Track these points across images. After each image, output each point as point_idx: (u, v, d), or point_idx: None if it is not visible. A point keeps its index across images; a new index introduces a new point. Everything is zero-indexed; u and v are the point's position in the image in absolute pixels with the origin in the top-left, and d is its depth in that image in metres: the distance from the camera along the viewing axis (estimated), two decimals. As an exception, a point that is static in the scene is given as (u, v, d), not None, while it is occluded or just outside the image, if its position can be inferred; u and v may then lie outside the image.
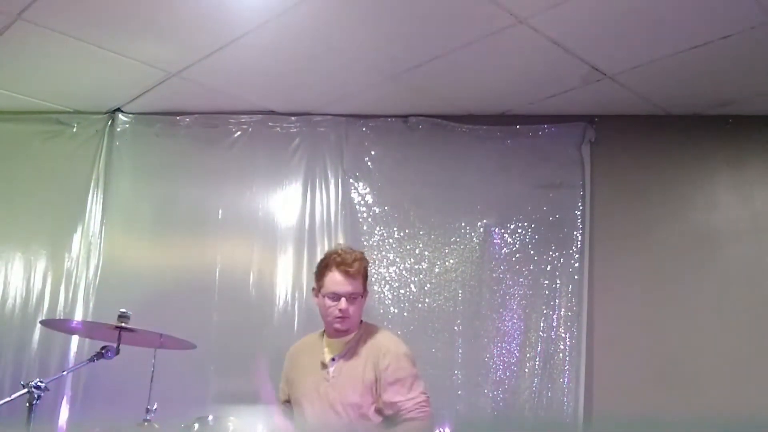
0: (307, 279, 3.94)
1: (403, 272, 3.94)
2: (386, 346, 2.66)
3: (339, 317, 2.64)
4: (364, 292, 2.71)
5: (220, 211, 4.09)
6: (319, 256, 3.88)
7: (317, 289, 2.72)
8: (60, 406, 3.79)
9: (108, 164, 4.19)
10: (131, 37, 3.42)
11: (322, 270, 2.71)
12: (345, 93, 3.93)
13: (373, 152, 4.12)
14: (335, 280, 2.64)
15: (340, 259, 2.66)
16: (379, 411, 2.59)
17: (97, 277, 4.01)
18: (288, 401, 2.80)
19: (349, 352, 2.67)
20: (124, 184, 4.18)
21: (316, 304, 2.76)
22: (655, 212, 3.88)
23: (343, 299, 2.62)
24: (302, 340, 2.94)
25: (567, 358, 3.73)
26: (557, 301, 3.82)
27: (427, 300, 3.89)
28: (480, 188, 4.01)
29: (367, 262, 2.76)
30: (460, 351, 3.79)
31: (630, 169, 3.95)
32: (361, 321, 2.77)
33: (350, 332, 2.70)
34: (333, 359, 2.67)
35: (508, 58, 3.48)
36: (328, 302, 2.65)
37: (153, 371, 2.98)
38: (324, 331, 2.79)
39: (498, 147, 4.06)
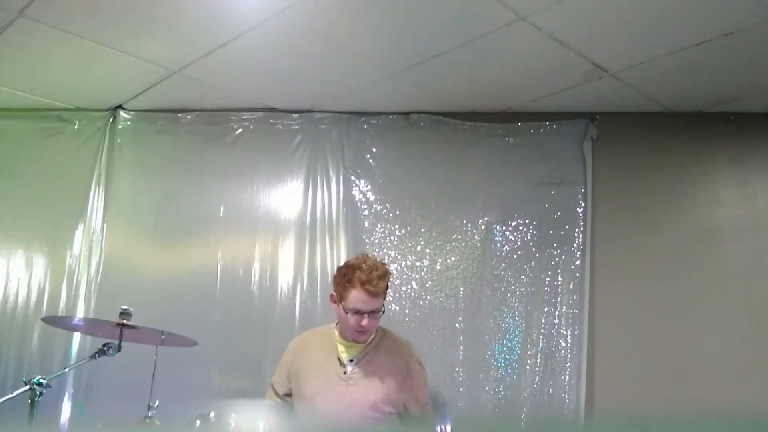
0: (307, 276, 3.94)
1: (405, 269, 3.94)
2: (409, 352, 2.77)
3: (360, 331, 2.66)
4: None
5: (222, 208, 4.10)
6: (319, 254, 3.95)
7: (338, 299, 2.70)
8: (62, 403, 3.80)
9: (109, 161, 4.19)
10: (133, 34, 3.42)
11: (344, 284, 2.66)
12: (346, 90, 3.93)
13: (374, 149, 4.12)
14: (359, 298, 2.62)
15: (366, 278, 2.61)
16: (399, 410, 2.65)
17: (99, 274, 4.02)
18: (287, 394, 2.79)
19: (368, 355, 2.70)
20: (125, 181, 4.18)
21: (334, 310, 2.75)
22: (656, 210, 3.87)
23: (365, 316, 2.63)
24: (309, 334, 2.93)
25: (568, 356, 3.73)
26: (558, 298, 3.82)
27: (428, 297, 3.89)
28: (481, 185, 4.01)
29: (390, 276, 2.72)
30: (462, 348, 3.80)
31: (632, 167, 3.94)
32: None
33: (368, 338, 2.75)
34: (351, 360, 2.69)
35: (509, 55, 3.47)
36: (351, 317, 2.64)
37: (155, 368, 2.98)
38: (335, 327, 2.80)
39: (499, 144, 4.05)
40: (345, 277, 2.68)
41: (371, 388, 2.64)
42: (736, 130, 3.86)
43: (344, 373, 2.68)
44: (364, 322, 2.63)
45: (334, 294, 2.72)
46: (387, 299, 3.79)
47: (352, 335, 2.70)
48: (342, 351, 2.73)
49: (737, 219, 3.79)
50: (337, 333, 2.79)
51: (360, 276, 2.62)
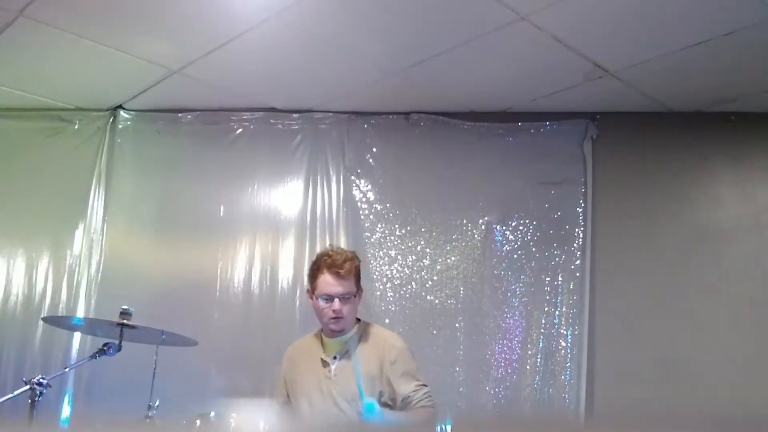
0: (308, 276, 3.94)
1: (405, 269, 3.94)
2: (390, 342, 2.74)
3: (333, 318, 2.68)
4: (358, 291, 2.75)
5: (222, 208, 4.10)
6: (320, 254, 3.95)
7: (311, 291, 2.75)
8: (62, 403, 3.80)
9: (110, 161, 4.19)
10: (133, 34, 3.42)
11: (314, 272, 2.74)
12: (347, 90, 3.93)
13: (374, 149, 4.12)
14: (327, 281, 2.68)
15: (331, 260, 2.69)
16: (384, 403, 2.63)
17: (99, 274, 4.02)
18: (287, 402, 2.82)
19: (350, 350, 2.70)
20: (125, 181, 4.18)
21: (312, 306, 2.78)
22: (656, 209, 3.87)
23: (336, 300, 2.66)
24: (299, 342, 2.97)
25: (568, 355, 3.73)
26: (559, 298, 3.82)
27: (428, 297, 3.90)
28: (482, 185, 4.01)
29: (359, 261, 2.79)
30: (462, 348, 3.80)
31: (632, 166, 3.95)
32: (359, 319, 2.80)
33: (346, 331, 2.73)
34: (334, 357, 2.70)
35: (510, 55, 3.48)
36: (322, 303, 2.69)
37: (155, 368, 2.98)
38: (320, 331, 2.81)
39: (500, 144, 4.05)
40: (314, 265, 2.76)
41: (353, 380, 2.65)
42: (736, 130, 3.86)
43: (329, 371, 2.69)
44: (336, 306, 2.66)
45: (309, 289, 2.77)
46: (388, 300, 3.86)
47: (327, 326, 2.72)
48: (324, 350, 2.75)
49: (737, 218, 3.79)
50: (321, 334, 2.81)
51: (326, 260, 2.71)
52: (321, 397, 2.67)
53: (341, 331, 2.72)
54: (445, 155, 4.07)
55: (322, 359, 2.73)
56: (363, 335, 2.75)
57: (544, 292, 3.84)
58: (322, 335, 2.79)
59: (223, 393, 3.71)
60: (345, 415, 2.61)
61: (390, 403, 2.65)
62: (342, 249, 2.81)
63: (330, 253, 2.74)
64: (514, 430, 1.90)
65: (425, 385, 2.69)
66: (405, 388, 2.64)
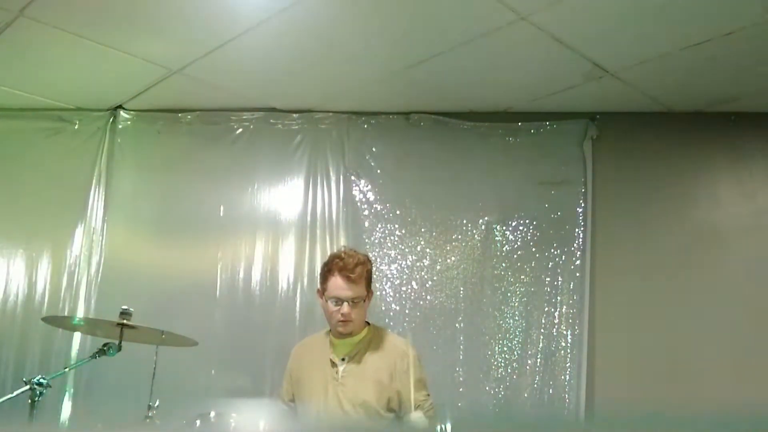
0: (308, 276, 3.94)
1: (405, 269, 3.94)
2: (403, 350, 2.73)
3: (342, 321, 2.67)
4: (368, 294, 2.74)
5: (222, 208, 4.10)
6: (320, 254, 3.95)
7: (321, 291, 2.74)
8: (62, 403, 3.80)
9: (110, 161, 4.19)
10: (133, 33, 3.42)
11: (325, 273, 2.73)
12: (347, 90, 3.93)
13: (374, 149, 4.12)
14: (337, 285, 2.67)
15: (343, 263, 2.68)
16: (391, 409, 2.63)
17: (99, 274, 4.02)
18: (292, 400, 2.82)
19: (359, 353, 2.71)
20: (125, 181, 4.18)
21: (321, 306, 2.78)
22: (657, 209, 3.87)
23: (345, 304, 2.66)
24: (307, 339, 2.96)
25: (568, 356, 3.73)
26: (559, 298, 3.81)
27: (428, 297, 3.89)
28: (481, 185, 4.01)
29: (371, 265, 2.78)
30: (462, 348, 3.80)
31: (632, 167, 3.94)
32: (368, 323, 2.80)
33: (354, 333, 2.73)
34: (343, 359, 2.70)
35: (510, 55, 3.47)
36: (331, 306, 2.68)
37: (155, 368, 2.98)
38: (329, 330, 2.81)
39: (500, 144, 4.05)
40: (326, 266, 2.75)
41: (361, 386, 2.65)
42: (736, 130, 3.86)
43: (336, 372, 2.69)
44: (345, 310, 2.65)
45: (319, 289, 2.76)
46: (388, 300, 3.86)
47: (335, 328, 2.71)
48: (333, 351, 2.74)
49: (738, 218, 3.79)
50: (330, 334, 2.80)
51: (338, 263, 2.69)
52: (326, 398, 2.67)
53: (349, 333, 2.72)
54: (444, 155, 4.07)
55: (330, 360, 2.72)
56: (374, 340, 2.75)
57: (543, 292, 3.84)
58: (331, 335, 2.79)
59: (223, 393, 3.71)
60: (349, 418, 2.61)
61: (396, 409, 2.65)
62: (355, 251, 2.78)
63: (342, 255, 2.72)
64: (514, 430, 1.90)
65: (429, 395, 2.71)
66: (416, 395, 2.64)
